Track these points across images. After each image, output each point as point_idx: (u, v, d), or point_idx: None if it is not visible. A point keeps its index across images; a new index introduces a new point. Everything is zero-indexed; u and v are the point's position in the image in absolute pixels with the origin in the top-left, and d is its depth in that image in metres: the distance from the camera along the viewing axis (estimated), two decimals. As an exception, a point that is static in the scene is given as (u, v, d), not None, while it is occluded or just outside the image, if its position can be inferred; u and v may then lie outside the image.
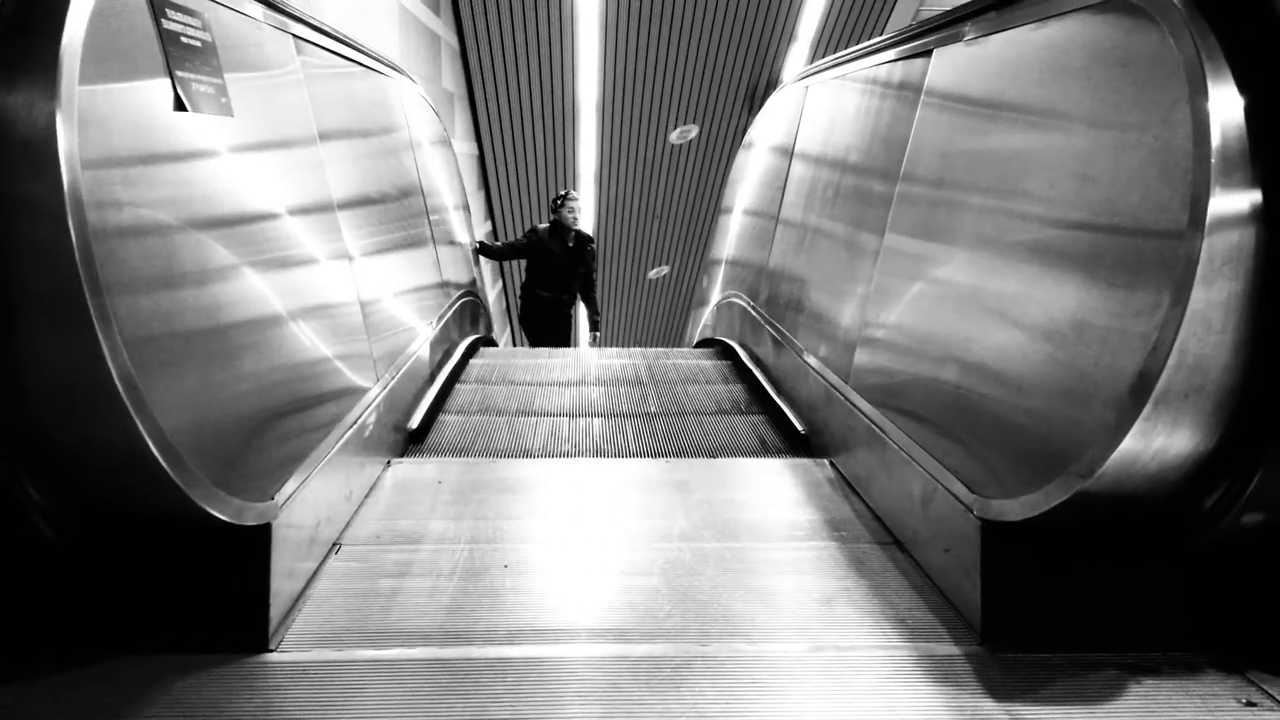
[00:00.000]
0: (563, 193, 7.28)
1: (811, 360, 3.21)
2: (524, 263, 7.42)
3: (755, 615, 1.85)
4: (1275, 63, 1.36)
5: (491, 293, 10.13)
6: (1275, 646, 1.64)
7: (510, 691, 1.56)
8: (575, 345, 8.41)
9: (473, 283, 5.92)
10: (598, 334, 7.83)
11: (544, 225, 7.25)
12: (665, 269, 14.21)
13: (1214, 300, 1.33)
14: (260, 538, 1.66)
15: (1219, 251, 1.32)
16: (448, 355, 4.29)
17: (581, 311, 7.82)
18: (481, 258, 6.97)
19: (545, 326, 7.45)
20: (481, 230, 10.37)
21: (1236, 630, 1.67)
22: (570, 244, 7.14)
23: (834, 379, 2.86)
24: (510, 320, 12.85)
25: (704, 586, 1.97)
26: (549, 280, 7.23)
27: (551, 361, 4.96)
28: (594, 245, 7.46)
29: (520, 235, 7.73)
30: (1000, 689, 1.58)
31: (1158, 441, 1.41)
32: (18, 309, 1.27)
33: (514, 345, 12.45)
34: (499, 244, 7.58)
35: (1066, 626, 1.69)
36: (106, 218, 1.31)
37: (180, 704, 1.50)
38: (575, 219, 7.14)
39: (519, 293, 7.63)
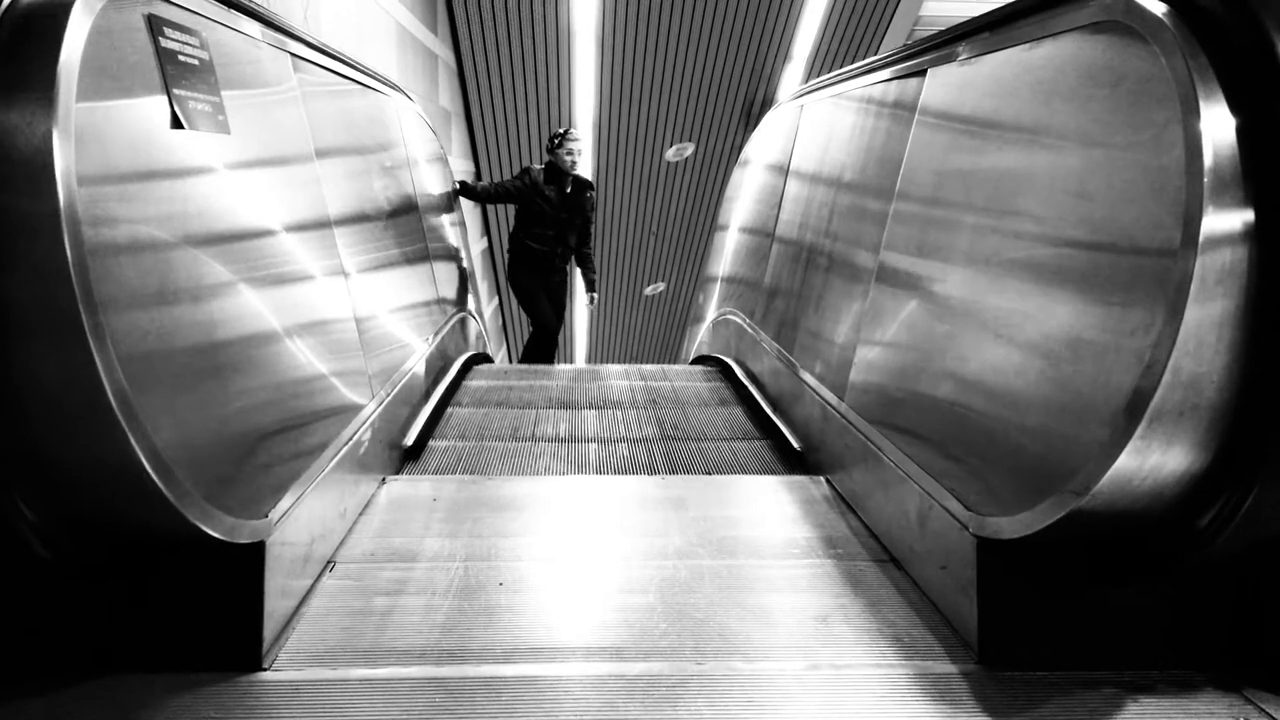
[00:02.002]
0: (561, 130, 6.30)
1: (807, 377, 3.21)
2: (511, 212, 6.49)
3: (751, 633, 1.84)
4: (1267, 82, 1.37)
5: (488, 309, 10.14)
6: (1272, 664, 1.63)
7: (505, 710, 1.55)
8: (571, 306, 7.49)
9: (469, 299, 5.92)
10: (595, 295, 6.98)
11: (538, 166, 6.33)
12: (661, 285, 14.24)
13: (1208, 318, 1.33)
14: (254, 555, 1.66)
15: (1212, 269, 1.32)
16: (443, 372, 4.29)
17: (578, 271, 6.98)
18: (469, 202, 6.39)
19: (537, 283, 6.49)
20: (478, 247, 10.37)
21: (1233, 648, 1.67)
22: (568, 190, 6.25)
23: (830, 396, 2.87)
24: (506, 337, 12.84)
25: (700, 604, 1.96)
26: (542, 231, 6.31)
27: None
28: (594, 193, 6.56)
29: (512, 176, 6.58)
30: (997, 708, 1.57)
31: (1153, 459, 1.41)
32: (12, 324, 1.26)
33: (510, 362, 12.44)
34: (484, 184, 6.43)
35: (1063, 644, 1.68)
36: (102, 234, 1.32)
37: (172, 723, 1.49)
38: (574, 162, 6.25)
39: (506, 245, 6.65)
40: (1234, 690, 1.60)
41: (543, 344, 6.69)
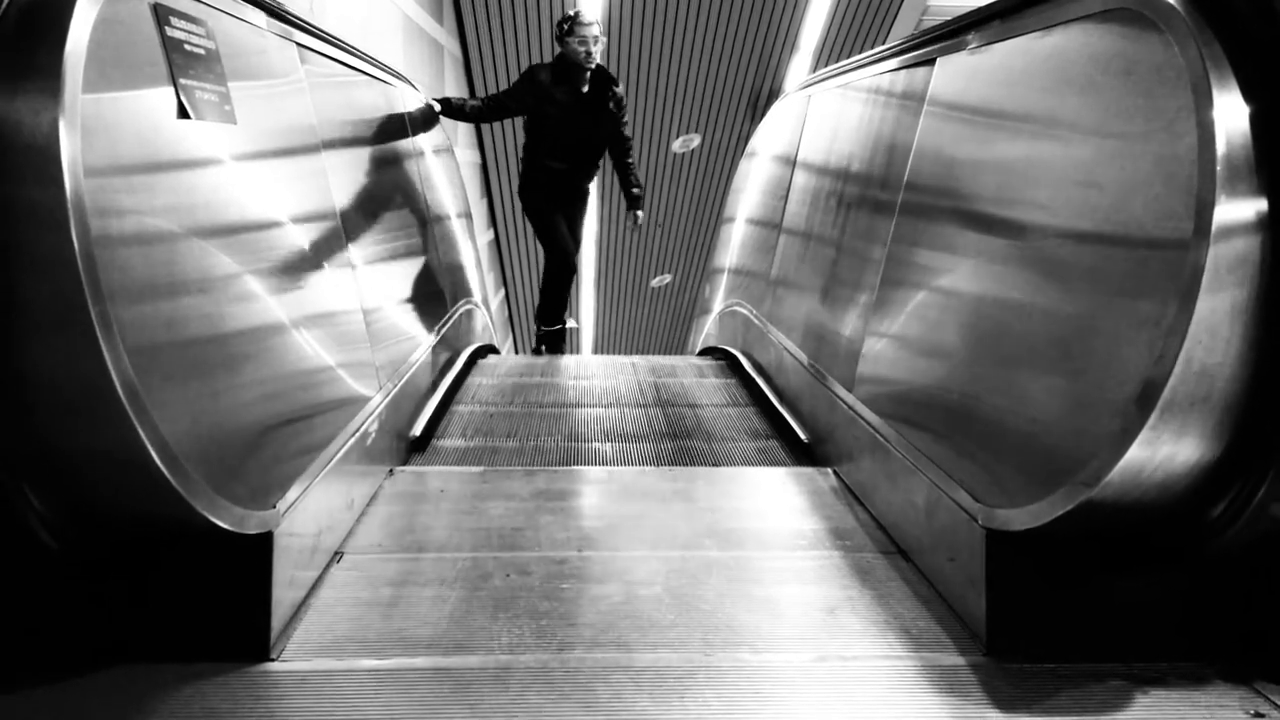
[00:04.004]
0: (571, 13, 4.96)
1: (815, 369, 3.20)
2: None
3: (759, 625, 1.84)
4: (1280, 70, 1.36)
5: (494, 300, 10.13)
6: (1283, 657, 1.63)
7: (513, 701, 1.55)
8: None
9: (475, 290, 5.92)
10: (641, 214, 5.57)
11: (546, 65, 5.06)
12: (667, 277, 14.22)
13: (1220, 308, 1.32)
14: (262, 546, 1.66)
15: (1225, 259, 1.31)
16: (450, 363, 4.29)
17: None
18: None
19: (556, 205, 5.33)
20: (484, 238, 10.36)
21: (1243, 640, 1.66)
22: (584, 89, 4.96)
23: (837, 388, 2.86)
24: (513, 329, 12.84)
25: (707, 595, 1.96)
26: (560, 147, 5.08)
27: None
28: (620, 90, 5.21)
29: (510, 86, 5.21)
30: (1005, 700, 1.57)
31: (1164, 451, 1.40)
32: (20, 316, 1.26)
33: (516, 353, 12.43)
34: (475, 102, 5.17)
35: (1072, 636, 1.68)
36: (109, 225, 1.31)
37: (180, 714, 1.49)
38: (589, 53, 4.88)
39: (520, 163, 5.45)
40: (1244, 682, 1.59)
41: (562, 278, 5.67)
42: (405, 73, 4.69)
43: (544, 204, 5.38)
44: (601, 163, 5.51)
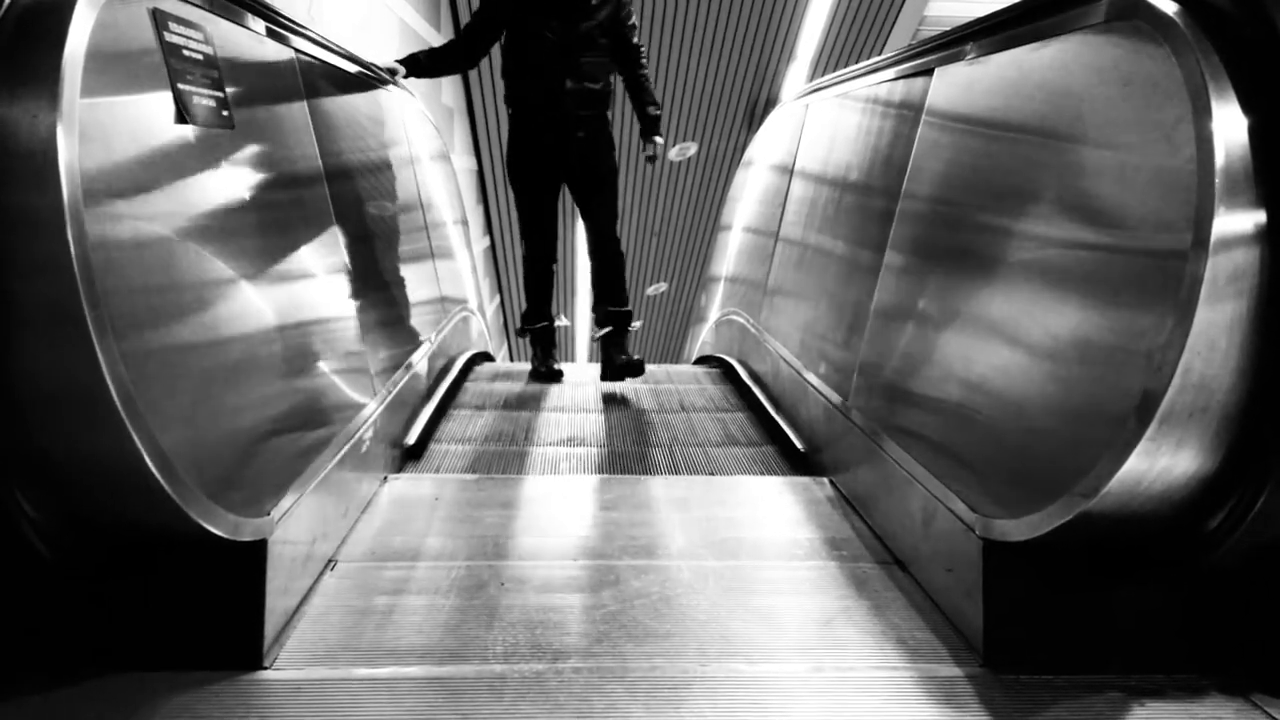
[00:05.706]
0: None
1: (811, 378, 3.20)
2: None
3: (755, 635, 1.83)
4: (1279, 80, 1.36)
5: (490, 307, 10.12)
6: (1280, 669, 1.63)
7: (507, 710, 1.54)
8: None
9: (471, 297, 5.91)
10: (660, 141, 4.43)
11: None
12: (663, 285, 14.22)
13: (1219, 320, 1.32)
14: (255, 554, 1.65)
15: (1223, 271, 1.31)
16: (445, 371, 4.28)
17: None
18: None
19: (546, 166, 4.28)
20: (480, 245, 10.35)
21: (1242, 652, 1.65)
22: None
23: (834, 397, 2.85)
24: (508, 336, 12.82)
25: (703, 605, 1.95)
26: (544, 67, 4.02)
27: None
28: None
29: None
30: (1002, 711, 1.56)
31: (1162, 462, 1.40)
32: (15, 320, 1.26)
33: (511, 360, 12.41)
34: (443, 50, 4.31)
35: (1069, 648, 1.67)
36: (106, 230, 1.31)
37: (173, 722, 1.48)
38: None
39: (508, 111, 4.33)
40: (1241, 695, 1.59)
41: (539, 267, 4.64)
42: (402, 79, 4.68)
43: (530, 165, 4.32)
44: (613, 105, 4.46)
